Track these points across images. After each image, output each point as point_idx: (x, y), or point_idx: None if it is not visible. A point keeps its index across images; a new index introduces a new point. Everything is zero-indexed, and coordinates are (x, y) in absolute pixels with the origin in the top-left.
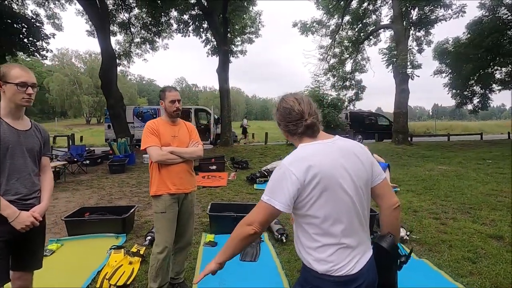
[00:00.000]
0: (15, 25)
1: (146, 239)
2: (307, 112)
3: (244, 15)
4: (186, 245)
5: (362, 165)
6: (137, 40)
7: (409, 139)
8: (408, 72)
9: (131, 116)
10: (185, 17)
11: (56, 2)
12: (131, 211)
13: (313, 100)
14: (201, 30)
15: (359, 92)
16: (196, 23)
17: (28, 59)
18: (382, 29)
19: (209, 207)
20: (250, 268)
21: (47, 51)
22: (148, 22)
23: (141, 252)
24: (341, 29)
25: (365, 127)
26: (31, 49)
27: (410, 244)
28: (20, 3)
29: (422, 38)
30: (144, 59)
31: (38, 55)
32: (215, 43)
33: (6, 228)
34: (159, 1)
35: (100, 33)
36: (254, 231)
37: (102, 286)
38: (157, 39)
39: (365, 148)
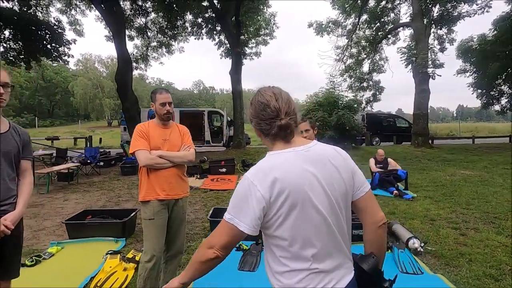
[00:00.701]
0: (39, 32)
1: None
2: (283, 111)
3: (258, 17)
4: (177, 253)
5: (339, 176)
6: (154, 44)
7: (430, 141)
8: (428, 72)
9: (146, 118)
10: (199, 20)
11: (77, 8)
12: (132, 215)
13: (328, 102)
14: (214, 32)
15: (377, 93)
16: (209, 25)
17: (55, 64)
18: (401, 28)
19: (210, 212)
20: (248, 278)
21: (69, 56)
22: (164, 26)
23: (137, 258)
24: (358, 28)
25: (383, 129)
26: (54, 55)
27: (424, 257)
28: (44, 11)
29: (444, 36)
30: (161, 63)
31: (60, 60)
32: (228, 45)
33: None
34: (175, 5)
35: (116, 38)
36: (215, 255)
37: None
38: (173, 43)
39: (345, 155)
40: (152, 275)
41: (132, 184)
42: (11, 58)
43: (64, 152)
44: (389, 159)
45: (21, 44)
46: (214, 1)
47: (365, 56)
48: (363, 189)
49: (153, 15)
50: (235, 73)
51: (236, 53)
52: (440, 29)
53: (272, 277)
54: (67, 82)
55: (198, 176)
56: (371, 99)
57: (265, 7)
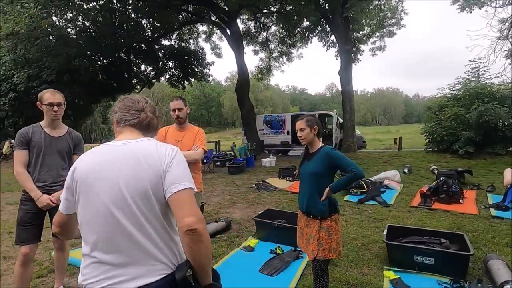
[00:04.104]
0: (189, 59)
1: None
2: (148, 109)
3: (383, 7)
4: None
5: (144, 173)
6: (275, 54)
7: None
8: None
9: (262, 123)
10: (309, 24)
11: (216, 35)
12: None
13: (467, 94)
14: (323, 34)
15: None
16: (319, 27)
17: (212, 83)
18: None
19: (260, 212)
20: (262, 282)
21: (208, 76)
22: (283, 35)
23: None
24: None
25: None
26: (199, 76)
27: None
28: (194, 43)
29: None
30: (282, 71)
31: (203, 79)
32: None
33: (35, 205)
34: (291, 15)
35: (236, 56)
36: (55, 231)
37: None
38: (292, 50)
39: (164, 153)
40: None
41: (231, 182)
42: (174, 82)
43: None
44: None
45: (179, 70)
46: (321, 1)
47: None
48: (170, 189)
49: (273, 28)
50: (345, 73)
51: (345, 52)
52: None
53: None
54: (219, 96)
55: (290, 179)
56: None
57: None
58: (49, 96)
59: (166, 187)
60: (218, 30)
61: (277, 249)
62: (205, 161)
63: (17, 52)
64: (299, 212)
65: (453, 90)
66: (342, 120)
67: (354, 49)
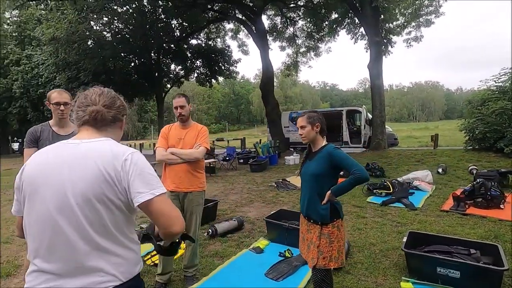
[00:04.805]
0: (216, 58)
1: (208, 231)
2: (101, 103)
3: None
4: (190, 242)
5: (92, 176)
6: (303, 49)
7: None
8: None
9: (287, 121)
10: (337, 16)
11: (242, 33)
12: (210, 204)
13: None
14: (352, 26)
15: None
16: (347, 19)
17: (241, 80)
18: None
19: (272, 212)
20: (265, 286)
21: (235, 73)
22: (311, 29)
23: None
24: None
25: None
26: (226, 73)
27: None
28: (222, 41)
29: None
30: (309, 66)
31: (230, 77)
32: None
33: None
34: (319, 8)
35: (262, 53)
36: (18, 236)
37: (146, 261)
38: (320, 45)
39: (123, 159)
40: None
41: (252, 180)
42: (202, 80)
43: (212, 150)
44: None
45: (207, 68)
46: None
47: None
48: (137, 199)
49: (300, 22)
50: (374, 66)
51: (375, 44)
52: None
53: None
54: (248, 94)
55: None
56: None
57: None
58: (56, 95)
59: (133, 196)
60: (245, 28)
61: (287, 252)
62: (227, 158)
63: (58, 56)
64: (300, 216)
65: (499, 82)
66: (371, 116)
67: (384, 40)
